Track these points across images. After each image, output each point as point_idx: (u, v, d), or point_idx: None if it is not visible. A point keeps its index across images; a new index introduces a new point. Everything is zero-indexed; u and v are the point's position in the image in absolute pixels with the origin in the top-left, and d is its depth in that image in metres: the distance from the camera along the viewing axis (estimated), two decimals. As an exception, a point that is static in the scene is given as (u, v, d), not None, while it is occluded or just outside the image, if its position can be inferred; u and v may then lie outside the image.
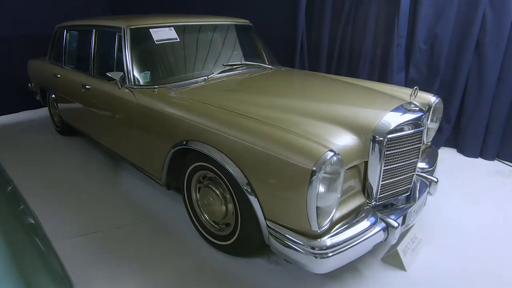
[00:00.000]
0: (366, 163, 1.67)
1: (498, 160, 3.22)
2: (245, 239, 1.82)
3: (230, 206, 1.85)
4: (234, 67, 2.59)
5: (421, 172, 2.03)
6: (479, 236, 2.12)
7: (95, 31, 2.80)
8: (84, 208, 2.44)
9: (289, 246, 1.54)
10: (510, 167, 3.10)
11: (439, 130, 3.29)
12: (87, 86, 2.75)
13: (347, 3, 3.65)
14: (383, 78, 3.51)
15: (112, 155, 3.12)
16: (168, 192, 2.51)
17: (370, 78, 3.62)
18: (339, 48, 3.86)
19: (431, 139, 2.31)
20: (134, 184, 2.75)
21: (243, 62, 2.69)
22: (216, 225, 2.00)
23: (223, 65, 2.57)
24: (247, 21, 3.05)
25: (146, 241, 2.09)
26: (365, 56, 3.66)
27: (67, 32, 3.32)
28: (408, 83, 3.43)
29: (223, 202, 1.88)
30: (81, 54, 3.08)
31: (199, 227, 2.09)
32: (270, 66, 2.81)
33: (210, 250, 2.00)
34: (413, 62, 3.37)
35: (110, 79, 2.33)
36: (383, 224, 1.64)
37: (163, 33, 2.42)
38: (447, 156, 3.29)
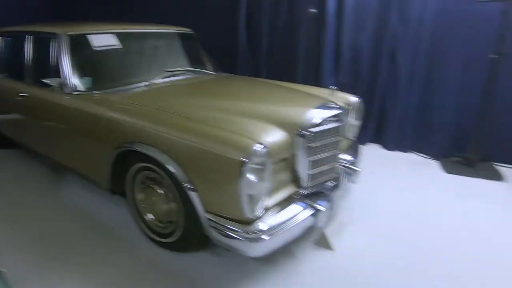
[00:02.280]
0: (295, 155, 1.88)
1: (413, 152, 3.69)
2: (188, 234, 1.91)
3: (173, 203, 1.94)
4: (176, 73, 2.69)
5: (346, 163, 2.29)
6: (398, 218, 2.43)
7: (31, 38, 2.75)
8: (25, 219, 2.36)
9: (227, 235, 1.67)
10: (423, 158, 3.57)
11: (365, 128, 3.74)
12: (23, 94, 2.69)
13: (282, 16, 3.97)
14: (316, 83, 3.85)
15: (53, 165, 3.05)
16: (112, 197, 2.52)
17: (305, 83, 3.94)
18: (276, 56, 4.17)
19: (355, 134, 2.60)
20: (77, 192, 2.71)
21: (185, 68, 2.80)
22: (160, 224, 2.08)
23: (165, 71, 2.65)
24: (189, 29, 3.17)
25: (91, 246, 2.09)
26: (300, 63, 4.00)
27: (0, 38, 3.21)
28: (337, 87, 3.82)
29: (166, 200, 1.97)
30: (16, 61, 2.97)
31: (144, 227, 2.15)
32: (212, 72, 2.96)
33: (156, 249, 2.07)
34: (340, 68, 3.78)
35: (48, 86, 2.32)
36: (312, 209, 1.84)
37: (102, 39, 2.46)
38: (372, 151, 3.70)
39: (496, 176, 3.12)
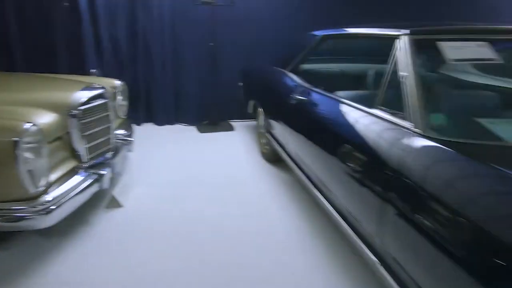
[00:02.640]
0: (70, 133, 2.09)
1: (178, 124, 4.62)
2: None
3: None
4: None
5: (121, 136, 2.68)
6: (168, 171, 3.11)
7: None
8: None
9: (15, 218, 1.72)
10: (185, 126, 4.59)
11: (137, 111, 4.29)
12: None
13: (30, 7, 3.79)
14: (84, 74, 3.96)
15: None
16: None
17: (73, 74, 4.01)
18: (34, 51, 3.97)
19: (125, 113, 3.01)
20: None
21: None
22: None
23: None
24: None
25: None
26: (63, 56, 4.00)
27: None
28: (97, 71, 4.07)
29: None
30: None
31: None
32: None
33: None
34: (104, 59, 4.06)
35: None
36: (95, 176, 2.15)
37: None
38: (146, 128, 4.40)
39: (230, 128, 4.50)
